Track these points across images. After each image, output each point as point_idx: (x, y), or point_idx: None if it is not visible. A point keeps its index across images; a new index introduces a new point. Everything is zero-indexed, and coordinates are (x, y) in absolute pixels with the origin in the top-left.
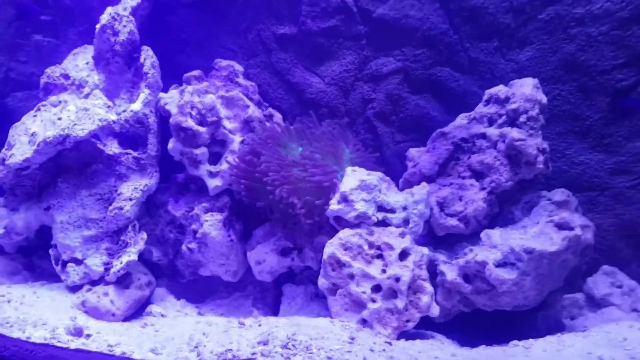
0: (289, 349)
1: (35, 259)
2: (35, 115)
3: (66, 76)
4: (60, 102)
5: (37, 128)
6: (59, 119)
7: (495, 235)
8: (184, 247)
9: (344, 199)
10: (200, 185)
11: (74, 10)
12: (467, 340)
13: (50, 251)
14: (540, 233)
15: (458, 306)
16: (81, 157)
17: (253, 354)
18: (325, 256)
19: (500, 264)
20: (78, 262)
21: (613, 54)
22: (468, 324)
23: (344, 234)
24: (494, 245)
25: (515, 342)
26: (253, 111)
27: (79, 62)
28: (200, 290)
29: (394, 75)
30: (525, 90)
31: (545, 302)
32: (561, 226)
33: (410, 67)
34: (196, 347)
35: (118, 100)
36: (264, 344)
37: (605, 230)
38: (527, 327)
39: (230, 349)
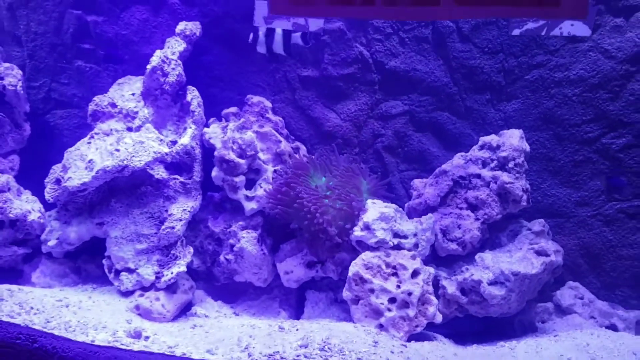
0: (326, 351)
1: (81, 263)
2: (89, 142)
3: (113, 105)
4: (111, 130)
5: (94, 156)
6: (117, 150)
7: (487, 258)
8: (221, 258)
9: (367, 227)
10: (235, 206)
11: (116, 42)
12: (456, 336)
13: (104, 261)
14: (523, 258)
15: (454, 312)
16: (132, 180)
17: (297, 356)
18: (350, 273)
19: (492, 283)
20: (130, 271)
21: (583, 111)
22: (457, 322)
23: (366, 256)
24: (487, 267)
25: (502, 343)
26: (285, 146)
27: (125, 93)
28: (232, 292)
29: (401, 116)
30: (514, 141)
31: (522, 309)
32: (539, 253)
33: (415, 110)
34: (246, 348)
35: (165, 131)
36: (305, 347)
37: (569, 249)
38: (506, 327)
39: (277, 351)
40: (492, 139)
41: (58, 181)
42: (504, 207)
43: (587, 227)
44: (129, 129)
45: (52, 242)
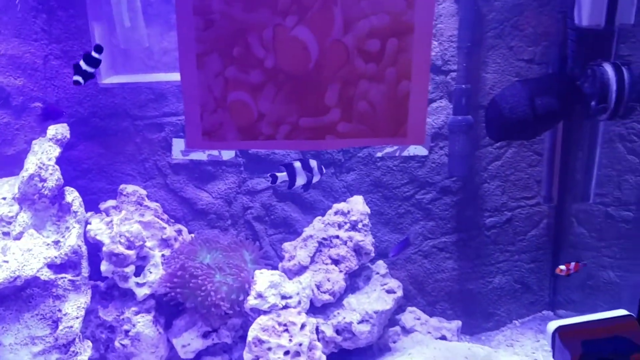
0: None
1: None
2: None
3: None
4: None
5: None
6: (5, 261)
7: (353, 302)
8: (116, 344)
9: (260, 296)
10: (123, 292)
11: None
12: None
13: None
14: (378, 298)
15: (332, 350)
16: (17, 285)
17: None
18: (250, 338)
19: (360, 322)
20: None
21: (401, 177)
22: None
23: (262, 320)
24: (354, 309)
25: None
26: (170, 232)
27: None
28: None
29: (265, 190)
30: (359, 207)
31: (380, 335)
32: (389, 292)
33: (277, 185)
34: None
35: (45, 232)
36: None
37: (402, 279)
38: (367, 351)
39: None
40: (342, 206)
41: None
42: (359, 259)
43: (412, 262)
44: (5, 234)
45: None
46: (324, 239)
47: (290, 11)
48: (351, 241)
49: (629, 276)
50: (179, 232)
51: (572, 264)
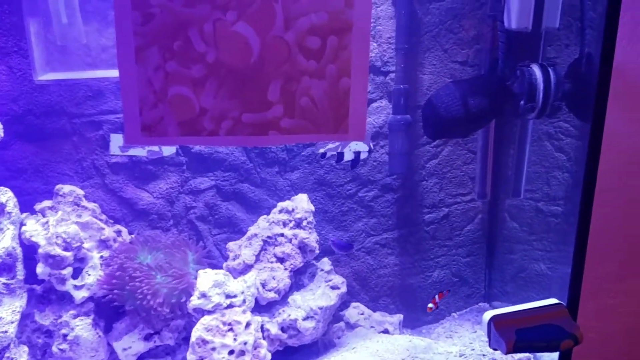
0: None
1: None
2: None
3: None
4: None
5: None
6: None
7: (298, 299)
8: (54, 349)
9: (203, 295)
10: (61, 295)
11: None
12: None
13: None
14: (323, 294)
15: (277, 347)
16: None
17: None
18: (193, 338)
19: (305, 318)
20: None
21: (344, 175)
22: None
23: (205, 320)
24: (299, 306)
25: None
26: (109, 233)
27: None
28: None
29: (209, 190)
30: (304, 204)
31: (325, 331)
32: (333, 287)
33: (221, 184)
34: None
35: None
36: None
37: (346, 276)
38: (312, 347)
39: None
40: (287, 204)
41: None
42: (304, 256)
43: (355, 258)
44: None
45: None
46: (269, 237)
47: (231, 6)
48: (296, 239)
49: (559, 267)
50: (119, 232)
51: (436, 296)
